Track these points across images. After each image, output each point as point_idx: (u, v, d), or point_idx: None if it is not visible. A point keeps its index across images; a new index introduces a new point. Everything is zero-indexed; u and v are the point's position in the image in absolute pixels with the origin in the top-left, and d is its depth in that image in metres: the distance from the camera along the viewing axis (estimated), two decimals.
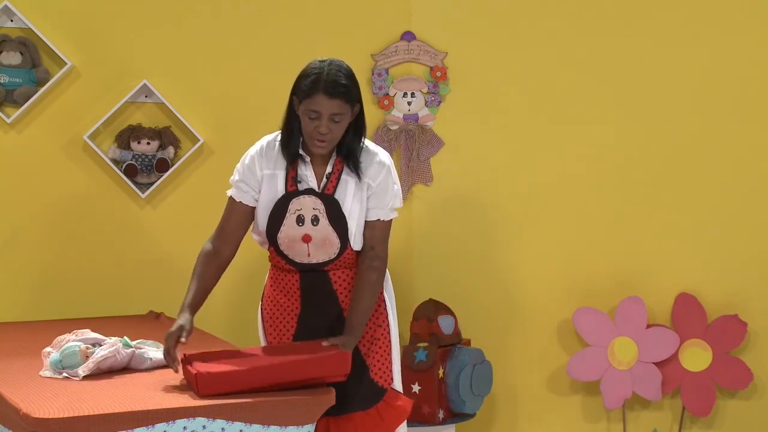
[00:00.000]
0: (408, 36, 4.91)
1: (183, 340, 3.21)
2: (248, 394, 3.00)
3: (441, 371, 4.62)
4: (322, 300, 3.47)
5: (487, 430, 5.01)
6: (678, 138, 4.89)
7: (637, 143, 4.91)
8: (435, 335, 4.64)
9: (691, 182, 4.90)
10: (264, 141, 3.50)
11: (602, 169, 4.92)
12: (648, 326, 4.82)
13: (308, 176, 3.42)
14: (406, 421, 3.57)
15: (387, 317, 3.57)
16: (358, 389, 3.46)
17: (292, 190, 3.41)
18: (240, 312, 4.69)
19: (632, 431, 4.95)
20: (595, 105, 4.91)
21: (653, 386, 4.80)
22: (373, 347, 3.52)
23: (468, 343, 4.81)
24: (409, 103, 4.91)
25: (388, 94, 4.90)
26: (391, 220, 3.50)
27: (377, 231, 3.47)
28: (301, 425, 3.03)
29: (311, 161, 3.42)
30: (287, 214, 3.41)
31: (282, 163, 3.43)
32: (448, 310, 4.75)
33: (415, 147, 4.90)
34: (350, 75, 3.36)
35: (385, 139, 4.87)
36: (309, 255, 3.44)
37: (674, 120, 4.89)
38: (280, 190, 3.42)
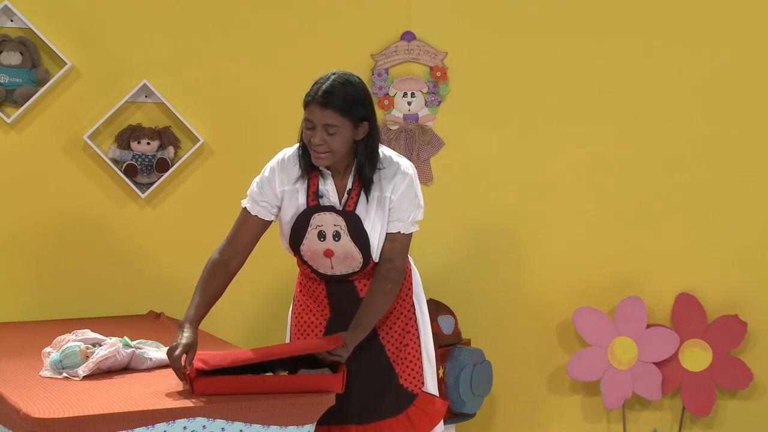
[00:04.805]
0: (408, 36, 4.91)
1: (188, 370, 3.08)
2: (248, 394, 3.01)
3: (441, 371, 4.62)
4: (350, 309, 3.42)
5: (487, 430, 5.01)
6: (678, 138, 4.90)
7: (638, 144, 4.91)
8: (435, 335, 4.63)
9: (692, 182, 4.90)
10: (284, 154, 3.43)
11: (603, 169, 4.92)
12: (648, 326, 4.82)
13: (329, 191, 3.37)
14: (442, 422, 3.55)
15: (416, 322, 3.55)
16: (387, 396, 3.45)
17: (314, 204, 3.37)
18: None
19: (632, 431, 4.95)
20: (595, 105, 4.91)
21: (653, 386, 4.80)
22: (401, 353, 3.50)
23: (468, 343, 4.81)
24: (409, 103, 4.91)
25: (388, 94, 4.89)
26: (412, 233, 3.46)
27: (396, 244, 3.42)
28: (301, 425, 3.03)
29: (332, 175, 3.37)
30: (309, 229, 3.38)
31: (303, 178, 3.38)
32: (448, 310, 4.75)
33: (415, 147, 4.90)
34: (356, 89, 3.27)
35: (385, 139, 4.87)
36: (332, 268, 3.42)
37: (674, 121, 4.89)
38: (302, 204, 3.38)
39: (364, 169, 3.35)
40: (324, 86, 3.25)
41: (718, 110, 4.88)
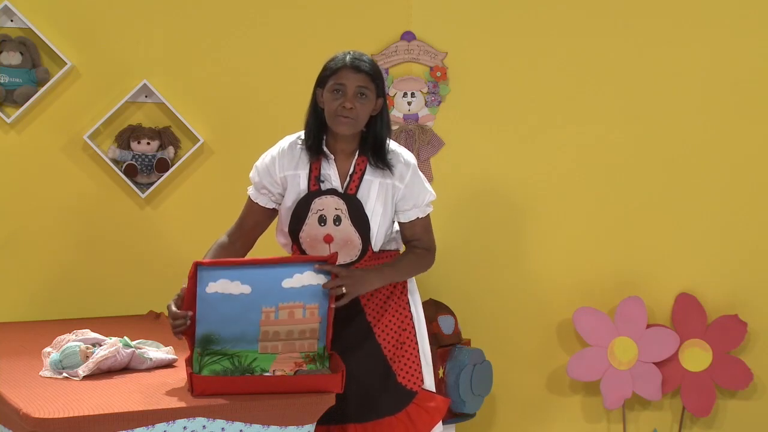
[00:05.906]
0: (408, 36, 4.91)
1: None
2: (248, 394, 3.01)
3: (441, 371, 4.62)
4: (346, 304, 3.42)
5: (487, 430, 5.01)
6: (678, 138, 4.89)
7: (638, 144, 4.91)
8: (435, 335, 4.64)
9: (691, 182, 4.90)
10: (286, 141, 3.46)
11: (602, 169, 4.92)
12: (648, 326, 4.82)
13: (331, 175, 3.40)
14: (441, 423, 3.56)
15: (412, 320, 3.56)
16: (386, 394, 3.46)
17: (315, 189, 3.40)
18: None
19: (632, 431, 4.95)
20: (595, 105, 4.91)
21: (653, 386, 4.80)
22: (398, 351, 3.51)
23: (468, 343, 4.81)
24: (409, 103, 4.91)
25: (388, 94, 4.89)
26: (429, 213, 3.54)
27: (417, 228, 3.52)
28: (301, 425, 3.03)
29: (335, 160, 3.41)
30: (309, 214, 3.40)
31: (305, 163, 3.41)
32: (448, 310, 4.75)
33: (415, 147, 4.90)
34: (374, 63, 3.40)
35: None
36: None
37: (675, 121, 4.89)
38: (303, 189, 3.41)
39: (382, 140, 3.39)
40: (350, 54, 3.36)
41: (719, 110, 4.87)
